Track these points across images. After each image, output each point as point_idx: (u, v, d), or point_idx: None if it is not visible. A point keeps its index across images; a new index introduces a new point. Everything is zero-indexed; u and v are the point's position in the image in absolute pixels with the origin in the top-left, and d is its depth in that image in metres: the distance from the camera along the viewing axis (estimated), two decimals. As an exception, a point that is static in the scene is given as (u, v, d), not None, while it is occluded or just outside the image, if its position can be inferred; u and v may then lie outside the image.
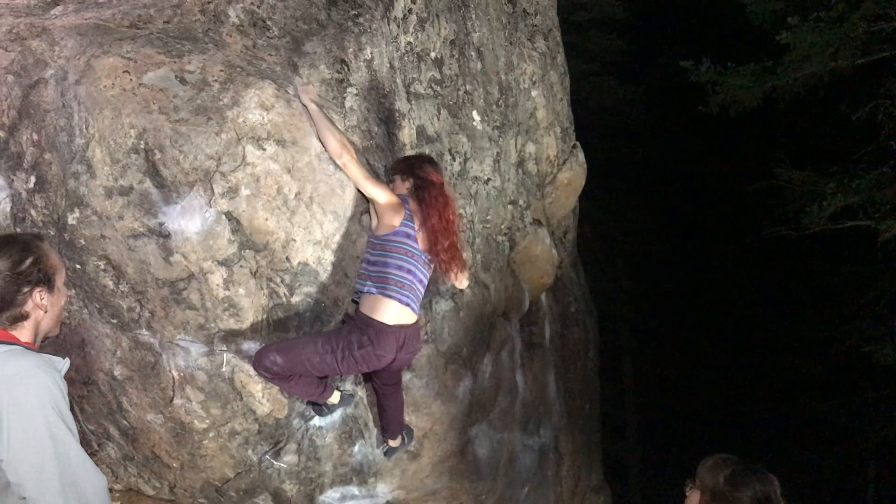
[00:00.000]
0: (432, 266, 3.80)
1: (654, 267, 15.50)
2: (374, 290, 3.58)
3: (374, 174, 3.76)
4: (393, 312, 3.58)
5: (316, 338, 3.63)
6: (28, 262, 2.26)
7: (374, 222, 3.69)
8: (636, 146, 14.56)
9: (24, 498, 2.14)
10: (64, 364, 2.30)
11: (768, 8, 9.82)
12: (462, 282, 3.96)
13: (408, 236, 3.62)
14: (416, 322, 3.73)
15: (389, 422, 4.18)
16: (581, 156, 6.24)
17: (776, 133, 12.55)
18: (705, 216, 14.99)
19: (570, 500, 6.79)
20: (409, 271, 3.62)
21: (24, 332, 2.28)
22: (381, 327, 3.55)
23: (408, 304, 3.62)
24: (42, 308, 2.30)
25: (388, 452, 4.36)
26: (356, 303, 3.71)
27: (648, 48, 14.32)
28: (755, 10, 9.97)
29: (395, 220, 3.60)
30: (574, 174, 6.11)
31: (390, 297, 3.56)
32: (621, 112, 13.93)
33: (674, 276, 15.54)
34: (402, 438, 4.34)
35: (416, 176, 3.76)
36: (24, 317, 2.27)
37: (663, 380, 15.64)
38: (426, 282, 3.78)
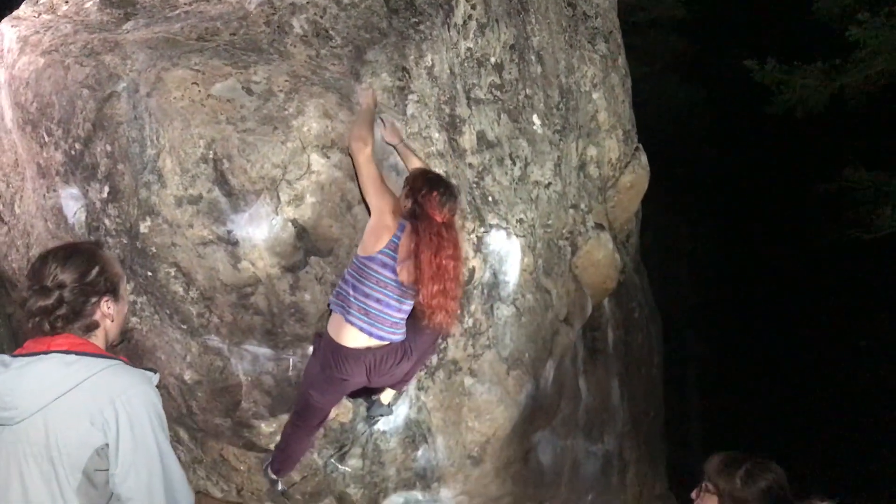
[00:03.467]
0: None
1: (719, 272, 15.18)
2: (337, 309, 3.43)
3: (384, 186, 3.45)
4: (355, 337, 3.41)
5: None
6: (94, 272, 2.26)
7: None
8: (699, 148, 14.29)
9: None
10: (156, 378, 2.32)
11: (836, 4, 9.53)
12: (447, 331, 3.61)
13: (384, 265, 3.34)
14: (390, 344, 3.49)
15: (279, 448, 4.03)
16: (644, 158, 6.15)
17: (845, 133, 12.16)
18: (772, 219, 14.61)
19: (634, 508, 6.69)
20: (379, 300, 3.36)
21: (98, 341, 2.30)
22: (341, 349, 3.41)
23: (371, 334, 3.40)
24: (109, 317, 2.32)
25: (272, 478, 4.14)
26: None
27: (711, 48, 14.02)
28: (822, 7, 9.70)
29: (376, 245, 3.35)
30: (637, 177, 6.03)
31: (351, 322, 3.38)
32: (684, 114, 13.69)
33: (740, 281, 15.18)
34: (285, 472, 4.12)
35: (417, 203, 3.37)
36: (95, 326, 2.28)
37: (730, 388, 15.27)
38: (405, 310, 3.47)
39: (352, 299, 3.35)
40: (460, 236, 3.51)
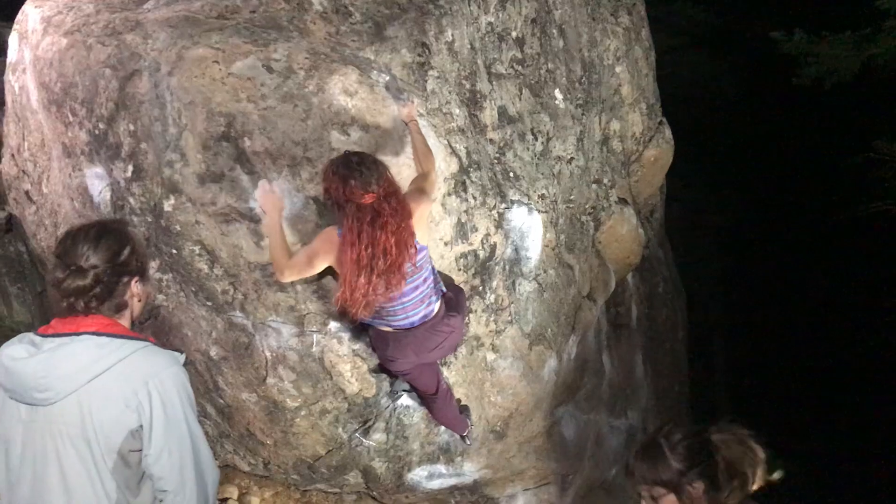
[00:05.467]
0: (419, 264, 3.26)
1: (745, 246, 15.00)
2: None
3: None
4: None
5: None
6: (126, 252, 2.28)
7: None
8: (725, 121, 14.09)
9: (166, 491, 2.22)
10: (183, 358, 2.35)
11: (866, -28, 9.31)
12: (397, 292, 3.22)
13: None
14: (423, 323, 3.39)
15: (447, 426, 4.26)
16: (668, 132, 6.09)
17: (875, 104, 11.92)
18: (799, 192, 14.38)
19: (659, 482, 6.69)
20: None
21: (125, 322, 2.32)
22: (381, 333, 3.46)
23: None
24: (137, 297, 2.34)
25: (467, 439, 4.38)
26: None
27: (737, 19, 13.77)
28: (852, -25, 9.47)
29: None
30: (661, 151, 5.98)
31: None
32: (709, 87, 13.49)
33: (766, 255, 15.01)
34: (467, 422, 4.28)
35: (342, 198, 2.98)
36: (124, 306, 2.30)
37: (757, 362, 15.17)
38: (415, 284, 3.27)
39: None
40: (403, 198, 3.12)
